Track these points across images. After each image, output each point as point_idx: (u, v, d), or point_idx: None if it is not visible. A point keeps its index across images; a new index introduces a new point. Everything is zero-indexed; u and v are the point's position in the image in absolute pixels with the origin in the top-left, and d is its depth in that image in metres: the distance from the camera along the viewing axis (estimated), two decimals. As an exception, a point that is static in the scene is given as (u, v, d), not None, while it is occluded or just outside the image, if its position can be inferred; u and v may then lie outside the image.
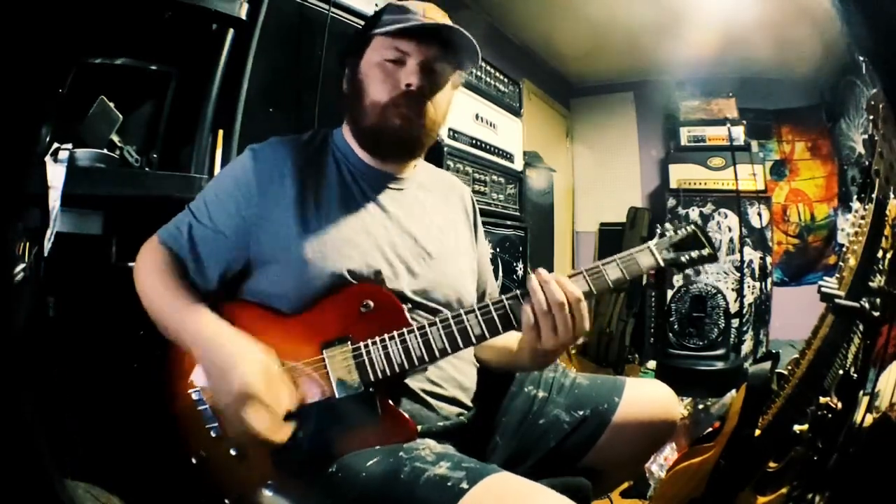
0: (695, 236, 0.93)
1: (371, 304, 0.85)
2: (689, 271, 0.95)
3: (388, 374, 0.82)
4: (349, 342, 0.83)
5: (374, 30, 0.94)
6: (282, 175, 0.90)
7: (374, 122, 0.92)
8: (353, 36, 1.01)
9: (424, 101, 0.93)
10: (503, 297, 0.85)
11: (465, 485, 0.67)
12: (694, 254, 0.92)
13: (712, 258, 0.93)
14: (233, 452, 0.82)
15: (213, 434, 0.83)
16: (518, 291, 0.85)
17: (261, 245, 0.89)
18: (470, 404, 0.95)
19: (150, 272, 0.89)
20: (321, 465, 0.79)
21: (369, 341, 0.83)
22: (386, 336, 0.83)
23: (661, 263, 0.90)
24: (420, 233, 0.97)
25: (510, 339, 0.96)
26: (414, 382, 0.87)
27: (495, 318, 0.84)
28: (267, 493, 0.81)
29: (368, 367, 0.82)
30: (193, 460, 0.85)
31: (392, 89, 0.91)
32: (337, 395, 0.81)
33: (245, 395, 0.76)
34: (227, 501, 0.83)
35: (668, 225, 0.94)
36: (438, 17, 0.94)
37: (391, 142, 0.94)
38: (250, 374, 0.77)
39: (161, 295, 0.87)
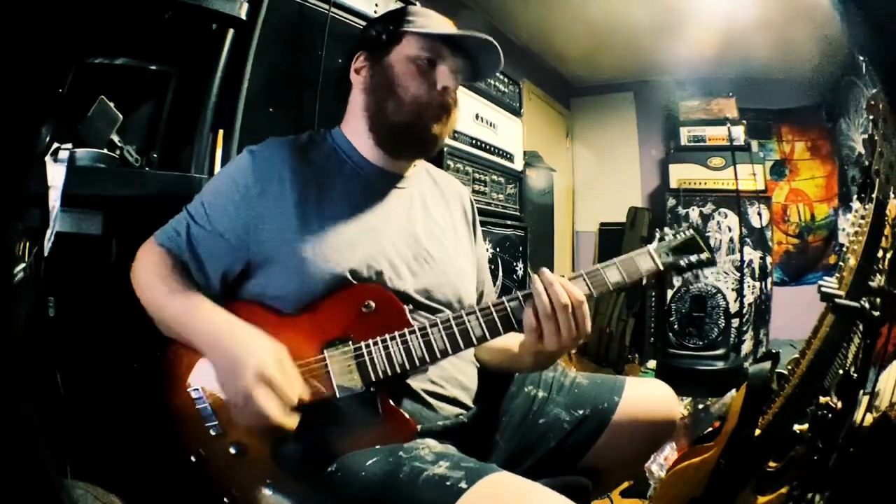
0: (693, 241, 0.94)
1: (372, 304, 0.85)
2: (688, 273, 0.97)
3: (389, 374, 0.82)
4: (350, 342, 0.83)
5: (406, 28, 0.94)
6: (281, 176, 0.89)
7: (408, 119, 0.92)
8: (378, 28, 0.98)
9: (454, 106, 0.95)
10: (504, 298, 0.85)
11: (463, 484, 0.67)
12: (693, 258, 0.93)
13: (711, 262, 0.94)
14: (232, 451, 0.82)
15: (212, 432, 0.83)
16: (520, 293, 0.85)
17: (261, 246, 0.88)
18: (470, 404, 0.95)
19: (149, 272, 0.89)
20: (321, 464, 0.79)
21: (370, 341, 0.83)
22: (387, 336, 0.83)
23: (661, 267, 0.91)
24: (421, 232, 0.97)
25: (510, 341, 0.96)
26: (415, 382, 0.87)
27: (496, 319, 0.84)
28: (266, 491, 0.81)
29: (369, 368, 0.82)
30: (192, 458, 0.84)
31: (430, 88, 0.92)
32: (338, 395, 0.81)
33: (258, 382, 0.75)
34: (225, 500, 0.83)
35: (667, 229, 0.96)
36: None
37: (418, 141, 0.94)
38: (262, 361, 0.76)
39: (161, 293, 0.86)
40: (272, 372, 0.76)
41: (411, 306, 0.90)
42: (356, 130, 0.98)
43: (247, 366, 0.76)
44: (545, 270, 0.83)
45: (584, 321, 0.82)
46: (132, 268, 0.91)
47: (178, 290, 0.86)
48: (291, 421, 0.78)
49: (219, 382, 0.81)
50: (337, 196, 0.92)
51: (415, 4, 1.61)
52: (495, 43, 0.94)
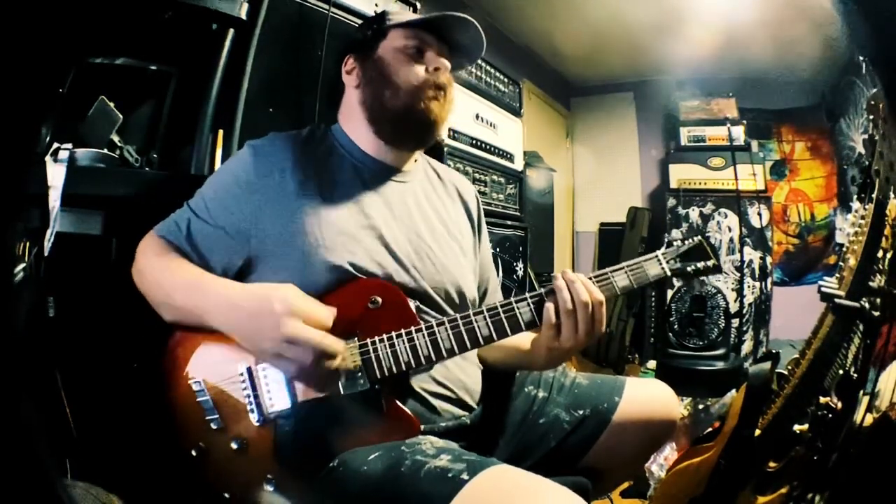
0: (701, 247, 0.96)
1: (379, 300, 0.85)
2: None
3: (395, 372, 0.82)
4: (356, 338, 0.83)
5: (390, 23, 0.96)
6: (282, 170, 0.90)
7: (406, 103, 0.93)
8: (362, 31, 1.02)
9: (449, 86, 0.96)
10: (512, 299, 0.86)
11: (465, 476, 0.67)
12: (700, 265, 0.95)
13: (717, 269, 0.96)
14: (234, 445, 0.82)
15: (213, 426, 0.83)
16: (529, 294, 0.86)
17: (262, 240, 0.88)
18: (473, 405, 0.95)
19: (150, 256, 0.89)
20: (322, 460, 0.79)
21: (377, 338, 0.83)
22: (394, 334, 0.83)
23: (668, 273, 0.93)
24: (422, 228, 0.97)
25: (521, 339, 0.97)
26: (418, 383, 0.87)
27: (503, 319, 0.84)
28: (267, 487, 0.81)
29: (375, 365, 0.82)
30: (193, 452, 0.84)
31: (422, 72, 0.94)
32: (342, 392, 0.81)
33: (289, 316, 0.76)
34: (226, 495, 0.83)
35: (675, 235, 0.96)
36: None
37: (417, 126, 0.94)
38: (286, 296, 0.78)
39: (166, 273, 0.87)
40: (299, 303, 0.77)
41: (414, 301, 0.89)
42: (355, 126, 0.98)
43: (273, 303, 0.76)
44: (567, 270, 0.86)
45: (601, 320, 0.85)
46: (135, 260, 0.91)
47: (181, 267, 0.87)
48: (336, 342, 0.78)
49: (242, 338, 0.81)
50: (338, 191, 0.92)
51: (415, 5, 1.61)
52: (473, 21, 0.96)
